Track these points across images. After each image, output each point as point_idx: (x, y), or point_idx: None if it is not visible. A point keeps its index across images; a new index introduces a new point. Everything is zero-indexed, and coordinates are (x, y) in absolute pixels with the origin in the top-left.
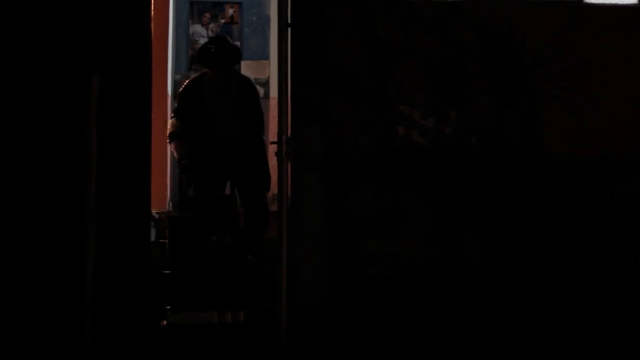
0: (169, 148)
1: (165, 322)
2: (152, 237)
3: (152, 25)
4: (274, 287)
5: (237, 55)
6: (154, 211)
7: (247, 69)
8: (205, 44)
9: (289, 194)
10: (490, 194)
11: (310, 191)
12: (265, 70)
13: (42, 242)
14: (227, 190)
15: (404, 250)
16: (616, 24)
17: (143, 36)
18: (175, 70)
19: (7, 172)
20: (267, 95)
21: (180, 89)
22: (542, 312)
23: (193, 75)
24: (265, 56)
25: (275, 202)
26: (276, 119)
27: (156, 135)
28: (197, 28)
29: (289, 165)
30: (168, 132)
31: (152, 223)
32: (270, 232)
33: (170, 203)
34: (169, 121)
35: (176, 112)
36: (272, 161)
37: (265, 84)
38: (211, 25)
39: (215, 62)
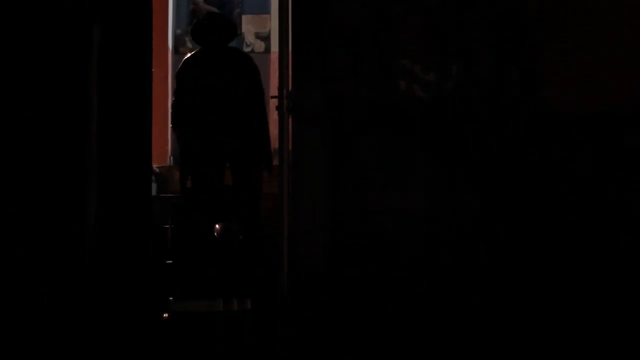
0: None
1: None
2: (153, 192)
3: None
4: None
5: (231, 32)
6: (155, 165)
7: (248, 22)
8: (199, 20)
9: (290, 148)
10: (492, 148)
11: (311, 145)
12: (266, 24)
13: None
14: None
15: (405, 204)
16: None
17: None
18: (176, 25)
19: (6, 123)
20: (267, 49)
21: (177, 69)
22: (546, 269)
23: (189, 53)
24: (266, 10)
25: (276, 157)
26: (277, 73)
27: (156, 89)
28: None
29: (290, 119)
30: (170, 116)
31: (153, 177)
32: (272, 187)
33: (172, 157)
34: (170, 101)
35: (176, 93)
36: (273, 115)
37: (266, 38)
38: None
39: (208, 39)
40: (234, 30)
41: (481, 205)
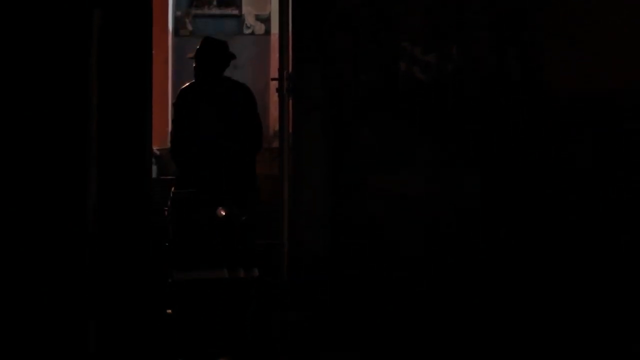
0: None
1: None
2: (154, 174)
3: None
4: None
5: (227, 61)
6: (155, 148)
7: (248, 4)
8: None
9: (290, 130)
10: (491, 130)
11: (311, 127)
12: (266, 6)
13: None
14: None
15: (405, 186)
16: None
17: None
18: (176, 7)
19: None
20: (267, 31)
21: (174, 100)
22: (546, 250)
23: (186, 83)
24: None
25: (276, 139)
26: (277, 56)
27: (157, 71)
28: None
29: (290, 101)
30: (169, 145)
31: (153, 160)
32: (272, 169)
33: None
34: (169, 127)
35: (174, 123)
36: (274, 97)
37: (266, 20)
38: None
39: (206, 68)
40: (229, 58)
41: (482, 188)
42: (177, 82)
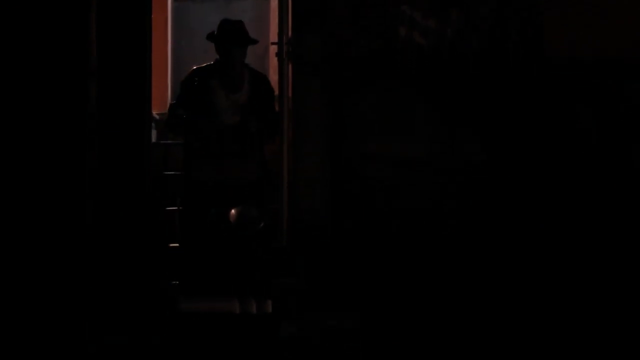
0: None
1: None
2: (153, 138)
3: None
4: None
5: (247, 43)
6: (154, 112)
7: None
8: (222, 26)
9: (290, 95)
10: (492, 95)
11: (311, 93)
12: None
13: (40, 144)
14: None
15: (406, 151)
16: None
17: None
18: None
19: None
20: None
21: (184, 78)
22: (546, 213)
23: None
24: None
25: (276, 104)
26: (277, 20)
27: (156, 34)
28: None
29: (290, 66)
30: (166, 120)
31: (153, 124)
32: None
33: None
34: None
35: (178, 99)
36: (273, 62)
37: None
38: None
39: (230, 49)
40: (248, 42)
41: (482, 153)
42: (176, 48)
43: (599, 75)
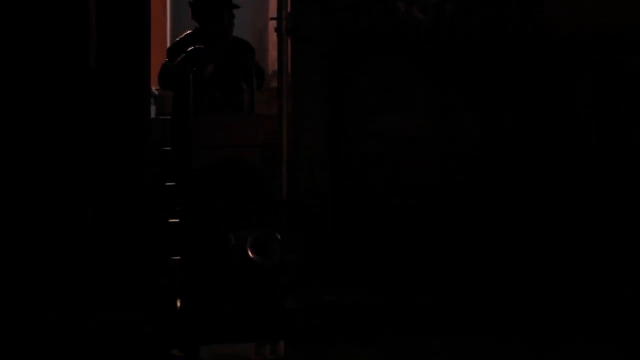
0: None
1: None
2: (152, 114)
3: None
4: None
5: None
6: (153, 88)
7: None
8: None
9: (289, 70)
10: (491, 70)
11: (311, 68)
12: None
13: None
14: None
15: (404, 126)
16: None
17: None
18: None
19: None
20: None
21: (170, 45)
22: (543, 188)
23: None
24: None
25: (275, 79)
26: None
27: (155, 10)
28: None
29: (289, 41)
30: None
31: (152, 100)
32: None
33: None
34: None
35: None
36: (273, 37)
37: None
38: None
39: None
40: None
41: (480, 127)
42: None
43: (600, 50)
